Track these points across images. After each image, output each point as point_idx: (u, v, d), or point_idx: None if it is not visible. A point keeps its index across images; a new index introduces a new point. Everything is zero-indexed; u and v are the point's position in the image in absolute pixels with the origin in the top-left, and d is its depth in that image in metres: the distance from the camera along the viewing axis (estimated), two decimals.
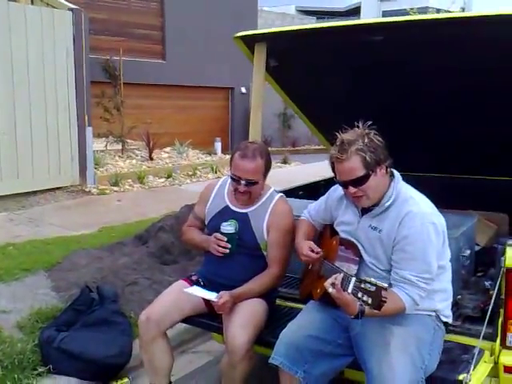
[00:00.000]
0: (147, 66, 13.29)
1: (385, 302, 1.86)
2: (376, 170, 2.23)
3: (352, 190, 2.25)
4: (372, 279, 1.90)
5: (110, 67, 10.30)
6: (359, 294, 1.89)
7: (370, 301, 1.87)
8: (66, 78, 7.68)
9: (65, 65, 7.64)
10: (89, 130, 8.13)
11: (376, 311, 1.91)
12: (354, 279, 1.93)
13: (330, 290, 2.05)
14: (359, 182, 2.23)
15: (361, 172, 2.21)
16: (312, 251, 2.45)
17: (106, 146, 9.95)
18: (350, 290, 1.93)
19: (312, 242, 2.52)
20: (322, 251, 2.46)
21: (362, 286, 1.89)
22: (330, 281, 2.08)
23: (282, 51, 3.49)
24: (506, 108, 3.18)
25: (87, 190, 7.92)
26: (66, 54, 7.63)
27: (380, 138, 2.26)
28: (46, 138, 7.49)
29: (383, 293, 1.86)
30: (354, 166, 2.21)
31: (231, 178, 2.68)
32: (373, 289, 1.87)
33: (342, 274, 2.04)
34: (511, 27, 2.64)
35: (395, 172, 2.35)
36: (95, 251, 4.80)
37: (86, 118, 8.02)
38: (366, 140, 2.22)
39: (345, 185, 2.28)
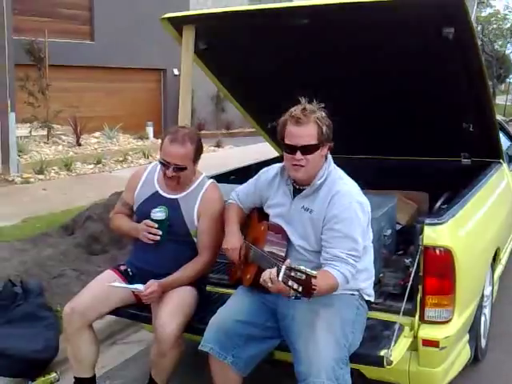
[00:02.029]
0: (75, 47, 12.80)
1: (314, 289, 1.89)
2: (323, 146, 2.28)
3: (299, 156, 2.26)
4: (302, 267, 1.91)
5: (34, 49, 9.89)
6: (289, 283, 1.91)
7: (300, 289, 1.89)
8: None
9: None
10: (11, 116, 7.78)
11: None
12: (284, 267, 1.94)
13: (270, 285, 2.05)
14: (309, 149, 2.26)
15: (314, 141, 2.25)
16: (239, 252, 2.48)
17: (31, 131, 9.56)
18: (280, 279, 1.94)
19: (243, 242, 2.52)
20: (249, 244, 2.48)
21: (292, 274, 1.90)
22: (267, 275, 2.07)
23: (211, 33, 3.45)
24: (424, 92, 3.30)
25: (10, 178, 7.60)
26: None
27: (331, 122, 2.32)
28: None
29: (313, 281, 1.88)
30: (311, 132, 2.25)
31: (160, 162, 2.63)
32: (303, 277, 1.89)
33: (275, 269, 2.04)
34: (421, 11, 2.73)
35: (328, 154, 2.40)
36: (18, 243, 4.61)
37: (9, 102, 7.66)
38: (324, 114, 2.28)
39: (293, 149, 2.28)
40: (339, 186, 2.32)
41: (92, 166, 9.05)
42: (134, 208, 2.79)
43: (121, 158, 9.69)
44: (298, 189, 2.40)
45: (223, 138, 13.41)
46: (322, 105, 2.32)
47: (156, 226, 2.61)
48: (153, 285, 2.51)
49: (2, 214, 5.83)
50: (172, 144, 2.56)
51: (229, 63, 3.75)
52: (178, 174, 2.59)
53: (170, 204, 2.67)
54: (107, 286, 2.62)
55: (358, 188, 2.37)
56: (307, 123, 2.25)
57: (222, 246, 2.59)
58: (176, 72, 15.10)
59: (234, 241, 2.52)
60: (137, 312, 2.71)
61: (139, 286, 2.54)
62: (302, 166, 2.28)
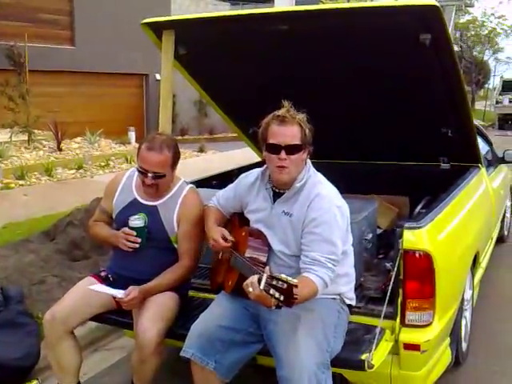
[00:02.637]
0: (55, 52, 12.70)
1: (296, 299, 1.89)
2: (305, 149, 2.31)
3: (283, 155, 2.27)
4: (283, 275, 1.91)
5: (14, 54, 9.79)
6: (271, 291, 1.90)
7: (281, 298, 1.88)
8: None
9: None
10: None
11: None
12: (265, 276, 1.93)
13: (250, 289, 2.02)
14: (293, 150, 2.27)
15: (297, 141, 2.28)
16: (224, 239, 2.46)
17: (11, 137, 9.45)
18: (261, 287, 1.92)
19: (225, 230, 2.53)
20: (233, 239, 2.47)
21: (274, 283, 1.89)
22: (249, 284, 2.04)
23: (191, 39, 3.45)
24: (402, 97, 3.34)
25: None
26: None
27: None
28: None
29: (294, 290, 1.88)
30: (295, 132, 2.27)
31: (138, 170, 2.62)
32: (284, 286, 1.88)
33: (256, 276, 2.02)
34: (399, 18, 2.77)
35: (307, 159, 2.42)
36: None
37: None
38: (305, 118, 2.31)
39: (277, 148, 2.28)
40: (318, 189, 2.33)
41: (73, 171, 8.97)
42: (113, 216, 2.77)
43: (103, 163, 9.62)
44: (277, 193, 2.41)
45: (206, 142, 13.40)
46: (303, 111, 2.34)
47: (134, 233, 2.60)
48: (133, 291, 2.50)
49: None
50: (149, 152, 2.55)
51: (209, 68, 3.75)
52: (156, 181, 2.59)
53: (148, 211, 2.66)
54: (88, 292, 2.60)
55: (337, 192, 2.39)
56: (292, 123, 2.27)
57: (202, 251, 2.59)
58: (158, 77, 15.03)
59: (213, 233, 2.51)
60: (118, 318, 2.69)
61: (119, 293, 2.52)
62: (286, 168, 2.29)
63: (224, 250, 2.51)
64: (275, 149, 2.29)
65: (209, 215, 2.65)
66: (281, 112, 2.29)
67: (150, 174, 2.56)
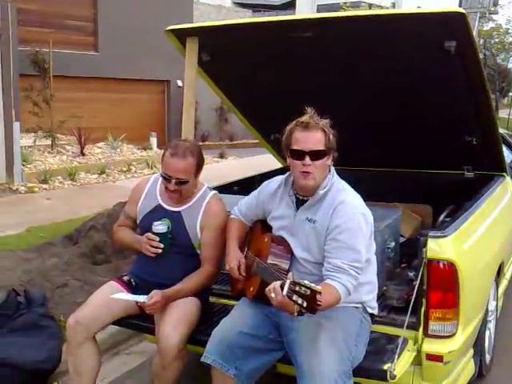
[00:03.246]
0: (79, 58, 12.86)
1: (319, 305, 1.87)
2: (329, 155, 2.30)
3: (308, 161, 2.26)
4: (306, 282, 1.89)
5: (39, 59, 9.95)
6: (294, 297, 1.88)
7: (304, 304, 1.87)
8: None
9: None
10: (16, 125, 7.82)
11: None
12: (288, 282, 1.92)
13: (272, 295, 2.02)
14: (317, 155, 2.27)
15: (321, 146, 2.27)
16: (239, 268, 2.48)
17: (35, 141, 9.60)
18: (284, 293, 1.91)
19: (243, 259, 2.53)
20: (253, 256, 2.48)
21: (297, 289, 1.88)
22: (271, 290, 2.04)
23: (214, 45, 3.48)
24: (426, 105, 3.32)
25: (14, 188, 7.62)
26: None
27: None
28: None
29: (318, 297, 1.86)
30: (319, 138, 2.27)
31: (162, 176, 2.64)
32: (308, 292, 1.87)
33: (279, 282, 2.02)
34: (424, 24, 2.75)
35: (331, 165, 2.42)
36: (22, 253, 4.61)
37: (14, 112, 7.71)
38: (329, 125, 2.30)
39: (301, 154, 2.27)
40: (342, 196, 2.32)
41: (96, 175, 9.07)
42: (138, 221, 2.79)
43: (124, 168, 9.71)
44: (301, 199, 2.40)
45: (227, 149, 13.44)
46: (326, 117, 2.34)
47: (158, 239, 2.61)
48: (156, 295, 2.51)
49: (7, 224, 5.84)
50: (173, 158, 2.57)
51: (232, 75, 3.78)
52: (179, 187, 2.60)
53: (172, 217, 2.67)
54: (110, 298, 2.62)
55: (361, 199, 2.38)
56: (316, 129, 2.27)
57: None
58: (180, 83, 15.16)
59: (230, 259, 2.53)
60: (140, 323, 2.71)
61: (142, 298, 2.54)
62: (310, 173, 2.28)
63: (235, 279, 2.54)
64: (299, 155, 2.29)
65: (230, 233, 2.64)
66: (304, 118, 2.29)
67: (173, 180, 2.57)
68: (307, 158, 2.26)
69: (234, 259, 2.52)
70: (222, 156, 12.53)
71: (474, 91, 3.12)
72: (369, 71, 3.23)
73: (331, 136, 2.30)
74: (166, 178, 2.60)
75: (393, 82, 3.23)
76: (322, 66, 3.33)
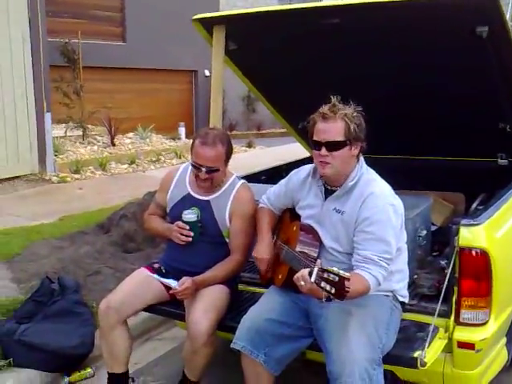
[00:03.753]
0: (107, 48, 13.00)
1: (348, 292, 1.88)
2: (352, 145, 2.26)
3: (324, 152, 2.26)
4: (335, 269, 1.90)
5: (68, 50, 10.08)
6: (322, 284, 1.89)
7: (333, 291, 1.87)
8: (22, 63, 7.47)
9: (21, 49, 7.43)
10: (48, 116, 7.95)
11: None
12: (316, 269, 1.92)
13: (302, 283, 2.03)
14: (334, 146, 2.25)
15: (340, 137, 2.24)
16: (267, 263, 2.51)
17: (66, 132, 9.76)
18: (313, 280, 1.92)
19: (272, 250, 2.54)
20: (281, 244, 2.49)
21: (325, 275, 1.89)
22: (300, 274, 2.06)
23: (241, 34, 3.46)
24: (459, 92, 3.25)
25: (47, 178, 7.77)
26: (21, 38, 7.41)
27: (364, 122, 2.30)
28: (4, 125, 7.30)
29: (346, 283, 1.87)
30: (337, 128, 2.24)
31: (192, 165, 2.66)
32: (336, 279, 1.87)
33: (307, 269, 2.02)
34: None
35: (360, 156, 2.39)
36: (56, 241, 4.72)
37: (45, 103, 7.85)
38: (355, 114, 2.27)
39: (319, 145, 2.28)
40: (372, 187, 2.29)
41: (126, 165, 9.18)
42: (167, 209, 2.83)
43: (154, 158, 9.80)
44: (329, 190, 2.39)
45: (254, 138, 13.43)
46: (356, 105, 2.31)
47: (188, 227, 2.64)
48: (187, 281, 2.54)
49: (40, 213, 5.97)
50: (203, 146, 2.58)
51: (259, 63, 3.76)
52: (210, 175, 2.62)
53: (201, 205, 2.70)
54: (142, 283, 2.67)
55: (391, 190, 2.35)
56: (334, 119, 2.25)
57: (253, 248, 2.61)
58: (207, 73, 15.20)
59: (263, 251, 2.54)
60: (170, 309, 2.75)
61: (173, 283, 2.58)
62: (328, 164, 2.28)
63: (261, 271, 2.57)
64: (316, 145, 2.30)
65: (262, 223, 2.64)
66: (325, 108, 2.28)
67: (203, 169, 2.59)
68: (323, 149, 2.26)
69: (267, 251, 2.53)
70: (249, 145, 12.53)
71: (507, 77, 3.04)
72: (397, 58, 3.17)
73: (353, 126, 2.25)
74: (197, 167, 2.62)
75: (422, 70, 3.17)
76: (351, 53, 3.29)
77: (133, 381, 2.79)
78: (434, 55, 3.02)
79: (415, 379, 2.46)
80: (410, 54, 3.09)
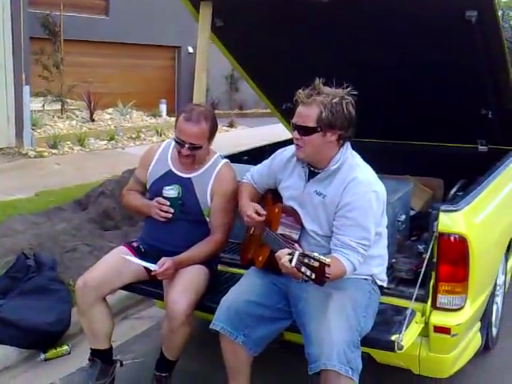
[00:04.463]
0: (90, 22, 12.75)
1: (328, 277, 1.88)
2: (326, 132, 2.23)
3: (296, 135, 2.28)
4: (315, 254, 1.90)
5: (49, 23, 9.85)
6: (302, 269, 1.90)
7: (313, 276, 1.88)
8: (1, 34, 7.28)
9: (0, 19, 7.21)
10: (26, 89, 7.79)
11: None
12: (297, 253, 1.93)
13: (282, 261, 2.02)
14: (304, 131, 2.25)
15: (311, 123, 2.22)
16: (257, 214, 2.45)
17: (44, 105, 9.56)
18: (293, 264, 1.92)
19: (258, 205, 2.52)
20: (265, 213, 2.46)
21: (306, 260, 1.89)
22: (282, 255, 2.05)
23: (228, 10, 3.41)
24: (442, 76, 3.25)
25: (24, 152, 7.64)
26: (1, 8, 7.20)
27: (351, 110, 2.25)
28: None
29: (327, 269, 1.87)
30: (309, 113, 2.22)
31: (175, 141, 2.62)
32: (316, 264, 1.88)
33: (288, 250, 2.03)
34: None
35: (346, 141, 2.35)
36: (32, 216, 4.65)
37: (24, 76, 7.67)
38: (335, 100, 2.21)
39: (293, 128, 2.30)
40: (355, 173, 2.28)
41: (105, 142, 9.06)
42: (147, 186, 2.79)
43: (134, 135, 9.69)
44: (313, 172, 2.38)
45: (236, 118, 13.35)
46: (341, 87, 2.28)
47: (168, 203, 2.61)
48: (167, 262, 2.52)
49: (16, 187, 5.88)
50: (187, 122, 2.55)
51: (245, 41, 3.71)
52: (192, 152, 2.59)
53: (183, 183, 2.67)
54: (120, 261, 2.64)
55: (375, 176, 2.34)
56: (309, 105, 2.23)
57: (236, 222, 2.60)
58: (190, 50, 15.00)
59: (246, 209, 2.51)
60: (149, 288, 2.73)
61: (152, 266, 2.55)
62: (301, 147, 2.29)
63: (258, 224, 2.50)
64: (293, 128, 2.31)
65: (242, 191, 2.64)
66: (301, 92, 2.26)
67: (186, 145, 2.56)
68: (295, 132, 2.28)
69: (250, 207, 2.50)
70: (231, 125, 12.46)
71: (493, 63, 3.05)
72: (384, 41, 3.16)
73: (328, 113, 2.19)
74: (180, 143, 2.58)
75: (410, 53, 3.16)
76: (338, 34, 3.26)
77: (121, 365, 2.77)
78: (421, 39, 3.01)
79: (391, 362, 2.49)
80: (396, 37, 3.08)
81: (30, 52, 8.23)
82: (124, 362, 2.83)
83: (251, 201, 2.60)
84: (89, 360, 2.70)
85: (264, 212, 2.47)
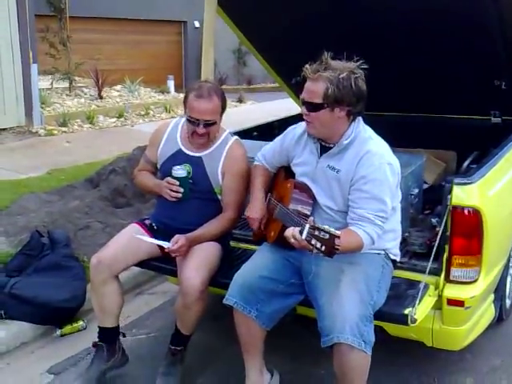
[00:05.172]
0: None
1: (337, 249, 1.88)
2: (333, 108, 2.20)
3: (304, 111, 2.26)
4: (326, 227, 1.90)
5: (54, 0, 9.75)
6: (313, 241, 1.90)
7: (323, 248, 1.89)
8: (7, 13, 7.23)
9: None
10: (34, 67, 7.75)
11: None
12: (308, 226, 1.93)
13: (292, 240, 2.05)
14: (311, 107, 2.23)
15: (317, 99, 2.20)
16: (259, 222, 2.50)
17: (52, 83, 9.54)
18: (303, 237, 1.93)
19: (263, 208, 2.53)
20: (275, 201, 2.48)
21: (316, 233, 1.90)
22: (290, 232, 2.07)
23: None
24: (455, 47, 3.20)
25: (34, 130, 7.65)
26: None
27: (361, 84, 2.20)
28: None
29: (336, 241, 1.87)
30: (316, 89, 2.20)
31: (188, 120, 2.59)
32: (326, 236, 1.88)
33: (298, 228, 2.02)
34: None
35: (358, 115, 2.32)
36: (44, 195, 4.69)
37: (31, 54, 7.63)
38: (343, 75, 2.17)
39: (302, 102, 2.28)
40: (369, 146, 2.26)
41: (114, 119, 9.04)
42: (158, 166, 2.79)
43: (142, 112, 9.66)
44: (325, 147, 2.36)
45: (245, 93, 13.24)
46: (352, 60, 2.24)
47: (177, 183, 2.61)
48: (180, 239, 2.53)
49: (28, 166, 5.91)
50: (199, 99, 2.53)
51: (253, 14, 3.65)
52: (207, 129, 2.57)
53: (193, 162, 2.66)
54: (133, 239, 2.65)
55: (389, 149, 2.31)
56: (315, 80, 2.20)
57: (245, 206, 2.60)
58: (197, 24, 14.83)
59: (255, 210, 2.53)
60: (162, 265, 2.75)
61: (165, 244, 2.56)
62: (310, 122, 2.28)
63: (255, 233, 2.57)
64: (302, 104, 2.29)
65: (255, 178, 2.63)
66: (308, 67, 2.22)
67: (201, 123, 2.54)
68: (304, 108, 2.26)
69: (259, 211, 2.52)
70: (240, 100, 12.37)
71: (506, 33, 2.98)
72: (394, 12, 3.10)
73: (335, 89, 2.15)
74: (194, 122, 2.56)
75: (419, 23, 3.10)
76: (347, 6, 3.20)
77: (123, 336, 2.81)
78: (433, 11, 2.94)
79: (404, 335, 2.50)
80: (408, 6, 3.01)
81: (36, 30, 8.17)
82: (139, 337, 2.86)
83: (265, 185, 2.61)
84: (93, 346, 2.73)
85: (262, 229, 2.51)
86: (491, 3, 2.75)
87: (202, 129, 2.56)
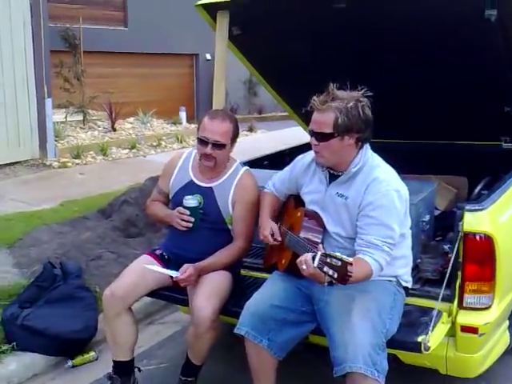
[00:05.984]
0: (108, 33, 12.90)
1: (350, 276, 1.88)
2: (344, 136, 2.23)
3: (314, 141, 2.29)
4: (338, 254, 1.91)
5: (69, 36, 10.00)
6: (325, 269, 1.90)
7: (335, 275, 1.88)
8: (23, 49, 7.42)
9: (22, 35, 7.37)
10: (48, 102, 7.91)
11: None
12: (319, 253, 1.93)
13: (304, 267, 2.04)
14: (321, 137, 2.26)
15: (327, 129, 2.23)
16: (272, 235, 2.49)
17: (66, 117, 9.70)
18: (315, 265, 1.93)
19: (275, 226, 2.54)
20: (285, 230, 2.48)
21: (328, 260, 1.90)
22: (304, 258, 2.06)
23: (245, 19, 3.43)
24: (464, 75, 3.22)
25: (48, 163, 7.75)
26: (22, 24, 7.34)
27: (367, 112, 2.25)
28: (5, 110, 7.27)
29: (349, 268, 1.87)
30: (325, 120, 2.23)
31: (198, 140, 2.63)
32: (339, 263, 1.88)
33: (311, 254, 2.02)
34: None
35: (365, 143, 2.35)
36: (57, 226, 4.72)
37: (46, 89, 7.80)
38: (351, 104, 2.21)
39: (311, 134, 2.31)
40: (376, 173, 2.28)
41: (127, 150, 9.14)
42: (170, 196, 2.81)
43: (155, 143, 9.76)
44: (333, 175, 2.38)
45: (255, 122, 13.34)
46: (359, 90, 2.27)
47: (188, 213, 2.63)
48: (189, 268, 2.54)
49: (42, 198, 5.96)
50: (212, 120, 2.60)
51: (263, 48, 3.72)
52: (215, 152, 2.59)
53: (204, 192, 2.69)
54: (145, 270, 2.65)
55: (397, 176, 2.33)
56: (324, 111, 2.23)
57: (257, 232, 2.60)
58: (208, 57, 15.06)
59: (263, 228, 2.54)
60: (173, 294, 2.75)
61: (174, 273, 2.57)
62: (318, 152, 2.30)
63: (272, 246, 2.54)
64: (310, 134, 2.32)
65: (264, 205, 2.65)
66: (317, 98, 2.26)
67: (210, 144, 2.57)
68: (313, 139, 2.30)
69: (268, 227, 2.53)
70: (251, 129, 12.45)
71: None
72: (402, 43, 3.13)
73: (345, 118, 2.19)
74: (203, 141, 2.59)
75: (430, 53, 3.14)
76: (356, 39, 3.25)
77: (139, 370, 2.79)
78: (441, 39, 2.98)
79: (418, 362, 2.47)
80: (415, 37, 3.05)
81: (51, 65, 8.37)
82: (150, 368, 2.85)
83: (273, 212, 2.62)
84: (108, 378, 2.71)
85: (279, 238, 2.50)
86: (500, 30, 2.78)
87: (210, 149, 2.58)
